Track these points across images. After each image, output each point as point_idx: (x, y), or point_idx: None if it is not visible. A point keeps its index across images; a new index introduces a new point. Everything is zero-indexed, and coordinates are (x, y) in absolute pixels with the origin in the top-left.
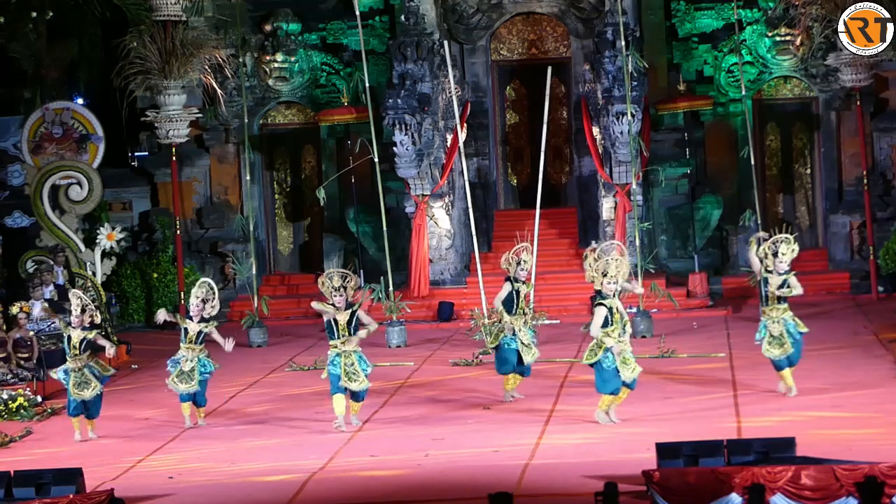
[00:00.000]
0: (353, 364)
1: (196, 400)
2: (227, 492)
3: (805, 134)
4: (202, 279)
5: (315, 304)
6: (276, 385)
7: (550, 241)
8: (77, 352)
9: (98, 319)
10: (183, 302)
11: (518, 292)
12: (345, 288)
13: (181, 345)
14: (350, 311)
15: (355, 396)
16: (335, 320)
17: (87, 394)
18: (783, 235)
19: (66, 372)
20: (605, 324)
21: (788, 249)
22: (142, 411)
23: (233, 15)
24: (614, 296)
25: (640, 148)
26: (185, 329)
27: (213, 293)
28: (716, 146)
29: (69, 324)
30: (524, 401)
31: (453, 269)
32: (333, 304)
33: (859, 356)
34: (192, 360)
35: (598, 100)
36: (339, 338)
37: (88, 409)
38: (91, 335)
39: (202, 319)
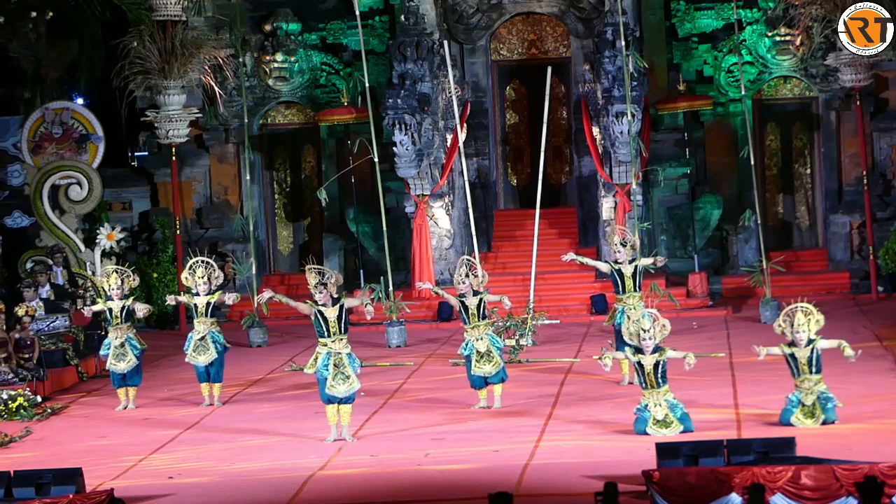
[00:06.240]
0: (343, 366)
1: (212, 377)
2: (227, 492)
3: (805, 134)
4: (193, 260)
5: (303, 307)
6: (276, 385)
7: (550, 241)
8: (119, 321)
9: (136, 283)
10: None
11: (464, 304)
12: (324, 284)
13: (194, 320)
14: (338, 306)
15: (345, 399)
16: (324, 317)
17: (122, 366)
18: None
19: (107, 346)
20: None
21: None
22: (142, 411)
23: (233, 15)
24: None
25: (640, 148)
26: (195, 304)
27: (212, 266)
28: (716, 146)
29: (109, 297)
30: (524, 401)
31: (453, 269)
32: (316, 302)
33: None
34: (203, 332)
35: (597, 100)
36: (328, 336)
37: (126, 381)
38: (129, 302)
39: (209, 292)
